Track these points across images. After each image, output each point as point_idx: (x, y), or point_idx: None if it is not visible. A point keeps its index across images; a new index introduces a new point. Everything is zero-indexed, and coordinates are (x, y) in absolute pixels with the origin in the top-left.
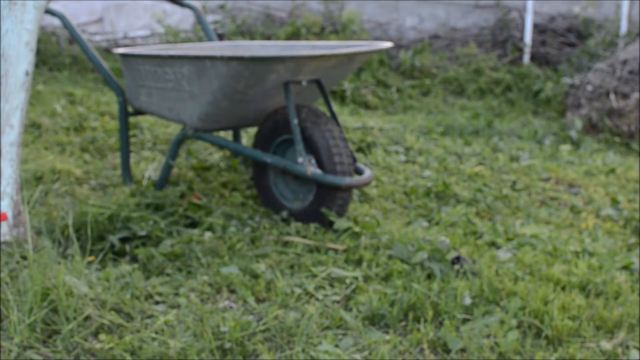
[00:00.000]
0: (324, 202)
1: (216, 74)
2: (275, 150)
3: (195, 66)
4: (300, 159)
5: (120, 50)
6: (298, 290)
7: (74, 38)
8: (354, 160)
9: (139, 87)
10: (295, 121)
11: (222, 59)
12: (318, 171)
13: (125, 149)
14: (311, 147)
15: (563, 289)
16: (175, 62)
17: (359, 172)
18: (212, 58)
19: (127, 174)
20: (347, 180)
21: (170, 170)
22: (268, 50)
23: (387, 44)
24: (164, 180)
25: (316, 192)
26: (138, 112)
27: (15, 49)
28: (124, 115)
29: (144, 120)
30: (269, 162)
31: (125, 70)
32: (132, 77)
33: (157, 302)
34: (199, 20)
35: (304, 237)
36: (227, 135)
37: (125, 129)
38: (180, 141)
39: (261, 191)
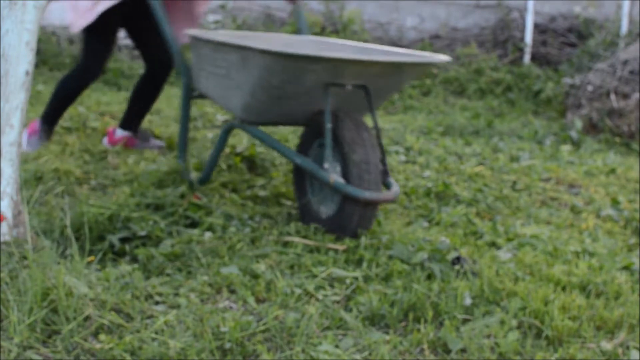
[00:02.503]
0: (346, 214)
1: (254, 65)
2: (315, 152)
3: (241, 55)
4: (326, 165)
5: (189, 31)
6: (298, 291)
7: (156, 18)
8: (386, 174)
9: (200, 70)
10: (328, 125)
11: (256, 51)
12: (341, 180)
13: (184, 130)
14: (341, 155)
15: (563, 289)
16: (226, 49)
17: (388, 186)
18: (249, 49)
19: (182, 154)
20: (366, 194)
21: (217, 161)
22: (331, 49)
23: (442, 57)
24: (211, 170)
25: (341, 202)
26: (200, 95)
27: (15, 48)
28: (187, 96)
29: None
30: (298, 163)
31: (192, 52)
32: (195, 59)
33: (157, 302)
34: (296, 11)
35: (304, 237)
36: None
37: (186, 109)
38: (227, 131)
39: (297, 189)
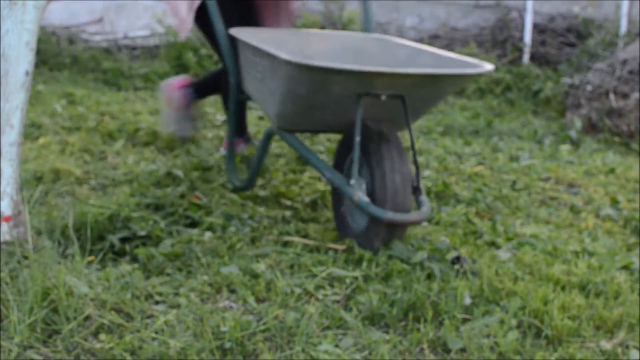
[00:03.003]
0: (373, 232)
1: (281, 74)
2: (348, 166)
3: (270, 62)
4: (352, 181)
5: (232, 31)
6: (298, 290)
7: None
8: (418, 191)
9: (245, 72)
10: (357, 138)
11: (280, 60)
12: (365, 199)
13: (232, 131)
14: (369, 170)
15: (563, 288)
16: (261, 54)
17: (420, 205)
18: (273, 57)
19: (231, 159)
20: (389, 214)
21: (260, 166)
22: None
23: (488, 67)
24: (254, 175)
25: (369, 219)
26: (248, 97)
27: (15, 49)
28: (235, 97)
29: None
30: (327, 177)
31: (240, 53)
32: (242, 61)
33: (157, 302)
34: (364, 7)
35: (304, 237)
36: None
37: (234, 111)
38: (268, 136)
39: (335, 202)
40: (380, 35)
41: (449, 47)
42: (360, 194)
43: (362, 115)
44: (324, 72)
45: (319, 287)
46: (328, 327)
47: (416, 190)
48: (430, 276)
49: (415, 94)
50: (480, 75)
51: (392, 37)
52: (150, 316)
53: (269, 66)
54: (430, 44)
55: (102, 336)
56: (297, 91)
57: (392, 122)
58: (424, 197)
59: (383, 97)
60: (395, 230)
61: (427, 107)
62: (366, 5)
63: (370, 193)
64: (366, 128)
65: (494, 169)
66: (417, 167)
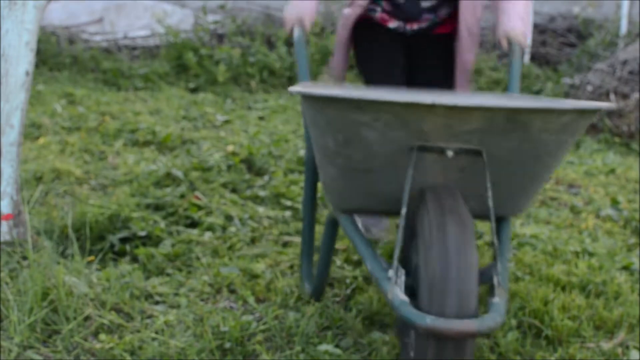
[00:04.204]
0: (420, 344)
1: (308, 121)
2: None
3: (304, 106)
4: (390, 272)
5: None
6: (298, 290)
7: None
8: (491, 291)
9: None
10: (404, 210)
11: (302, 96)
12: (401, 296)
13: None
14: (417, 254)
15: (563, 289)
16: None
17: (489, 309)
18: (296, 93)
19: (308, 255)
20: (427, 320)
21: (329, 264)
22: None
23: (605, 105)
24: (323, 277)
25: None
26: None
27: (15, 49)
28: (310, 163)
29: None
30: (368, 267)
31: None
32: None
33: (157, 302)
34: (512, 63)
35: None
36: None
37: (312, 189)
38: (331, 224)
39: None
40: (533, 97)
41: None
42: (395, 291)
43: (422, 183)
44: (338, 105)
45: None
46: (328, 327)
47: (490, 288)
48: None
49: (501, 146)
50: (594, 112)
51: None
52: (150, 316)
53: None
54: None
55: (102, 336)
56: (325, 142)
57: (472, 200)
58: (497, 300)
59: (449, 153)
60: (445, 345)
61: (526, 173)
62: (514, 61)
63: (415, 287)
64: (422, 197)
65: None
66: (496, 258)
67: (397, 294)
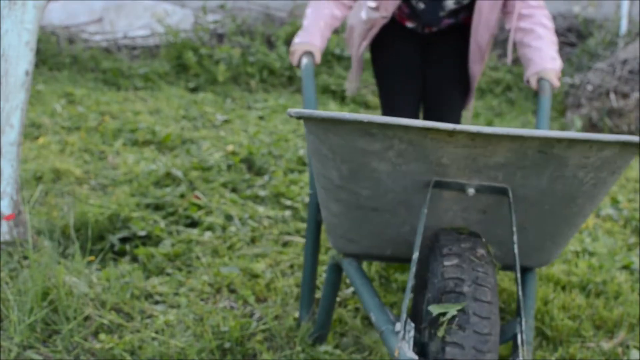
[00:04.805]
0: None
1: (309, 150)
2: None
3: (305, 132)
4: (397, 326)
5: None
6: (298, 290)
7: None
8: (514, 351)
9: None
10: (415, 254)
11: (297, 116)
12: (409, 354)
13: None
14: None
15: (563, 288)
16: None
17: None
18: (296, 114)
19: (308, 300)
20: None
21: (331, 310)
22: None
23: (633, 139)
24: (324, 326)
25: None
26: None
27: (15, 48)
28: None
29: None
30: (372, 320)
31: None
32: None
33: (157, 302)
34: (540, 100)
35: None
36: None
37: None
38: (333, 269)
39: None
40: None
41: None
42: (404, 348)
43: (437, 225)
44: (344, 130)
45: (319, 288)
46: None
47: (513, 347)
48: None
49: (530, 184)
50: (628, 146)
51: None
52: (150, 316)
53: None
54: None
55: (102, 336)
56: (328, 174)
57: (494, 247)
58: (520, 358)
59: (471, 191)
60: None
61: (557, 217)
62: (545, 99)
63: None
64: (436, 240)
65: None
66: (520, 314)
67: (406, 351)
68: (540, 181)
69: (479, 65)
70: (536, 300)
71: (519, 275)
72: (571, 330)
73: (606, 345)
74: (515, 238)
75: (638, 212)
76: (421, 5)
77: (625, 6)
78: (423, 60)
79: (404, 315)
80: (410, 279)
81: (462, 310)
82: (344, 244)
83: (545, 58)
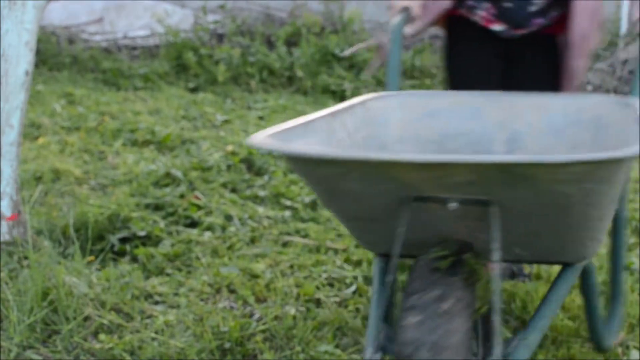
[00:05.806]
0: None
1: None
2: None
3: None
4: (368, 350)
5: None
6: (298, 290)
7: None
8: None
9: None
10: (390, 277)
11: (257, 147)
12: (373, 358)
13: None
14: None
15: None
16: None
17: None
18: (256, 146)
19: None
20: None
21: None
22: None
23: (629, 152)
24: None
25: None
26: None
27: (15, 48)
28: None
29: None
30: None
31: None
32: None
33: (157, 302)
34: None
35: (304, 236)
36: None
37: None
38: (379, 271)
39: None
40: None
41: None
42: (368, 351)
43: (442, 230)
44: (298, 162)
45: (318, 288)
46: (328, 328)
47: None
48: None
49: (513, 198)
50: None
51: None
52: (150, 316)
53: None
54: (431, 44)
55: (102, 336)
56: (319, 189)
57: (515, 247)
58: None
59: (452, 205)
60: None
61: (562, 223)
62: None
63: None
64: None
65: None
66: (486, 333)
67: (370, 354)
68: (524, 193)
69: (582, 60)
70: (536, 299)
71: (492, 283)
72: (571, 330)
73: None
74: (496, 244)
75: (638, 212)
76: (508, 4)
77: (625, 6)
78: (506, 66)
79: (373, 326)
80: (373, 307)
81: None
82: (367, 246)
83: (583, 16)
